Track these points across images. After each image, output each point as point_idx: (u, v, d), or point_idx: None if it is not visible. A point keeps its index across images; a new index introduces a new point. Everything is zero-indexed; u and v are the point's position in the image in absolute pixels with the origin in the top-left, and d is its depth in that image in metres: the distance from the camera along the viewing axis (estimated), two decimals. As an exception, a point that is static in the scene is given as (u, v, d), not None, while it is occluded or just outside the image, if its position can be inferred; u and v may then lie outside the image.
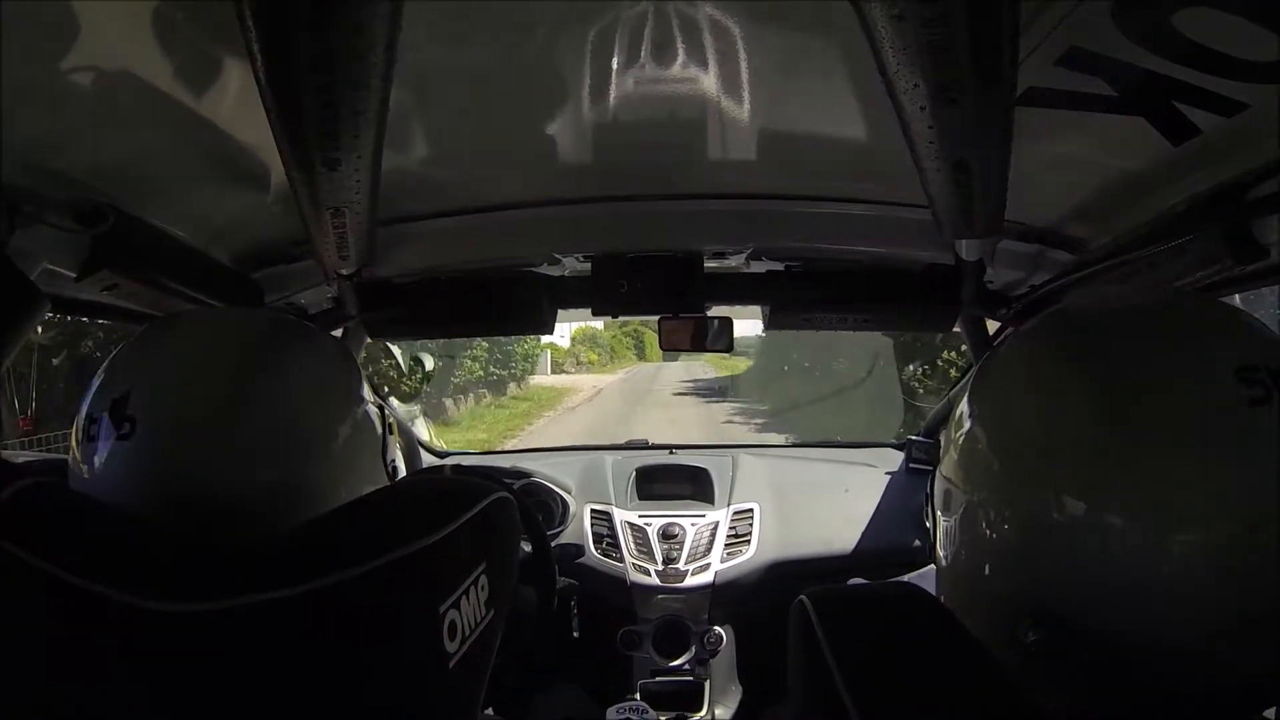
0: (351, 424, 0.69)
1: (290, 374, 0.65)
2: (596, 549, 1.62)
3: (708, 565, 1.58)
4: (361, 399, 0.71)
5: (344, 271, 0.94)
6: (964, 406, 0.53)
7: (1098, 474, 0.43)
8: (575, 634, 1.27)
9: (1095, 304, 0.54)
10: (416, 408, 2.36)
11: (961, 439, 0.53)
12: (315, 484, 0.63)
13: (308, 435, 0.64)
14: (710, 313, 1.20)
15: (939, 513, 0.56)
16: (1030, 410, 0.49)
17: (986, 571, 0.49)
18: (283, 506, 0.60)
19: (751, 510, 1.65)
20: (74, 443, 0.61)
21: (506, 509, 0.65)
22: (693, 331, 1.20)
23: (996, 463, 0.49)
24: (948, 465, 0.54)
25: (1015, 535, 0.46)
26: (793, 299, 1.15)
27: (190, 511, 0.57)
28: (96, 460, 0.59)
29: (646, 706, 1.42)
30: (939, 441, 1.74)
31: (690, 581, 1.57)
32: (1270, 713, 0.48)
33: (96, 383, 0.62)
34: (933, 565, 1.38)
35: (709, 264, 1.12)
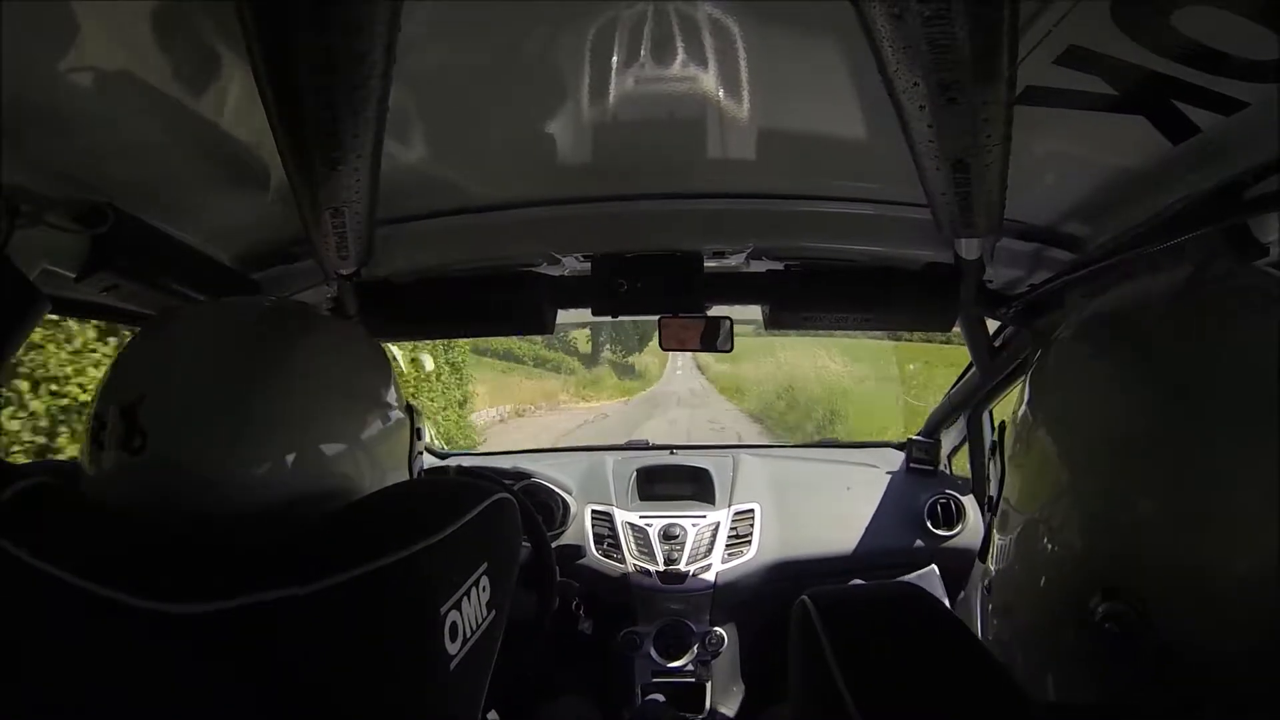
0: (380, 425, 0.66)
1: (315, 380, 0.62)
2: (597, 550, 1.62)
3: (709, 566, 1.58)
4: (389, 401, 0.69)
5: (344, 271, 0.94)
6: (1023, 419, 0.50)
7: (1176, 473, 0.40)
8: (577, 634, 1.27)
9: (1153, 296, 0.50)
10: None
11: (1022, 453, 0.50)
12: (339, 489, 0.61)
13: (333, 440, 0.61)
14: (711, 312, 1.20)
15: (995, 524, 0.54)
16: (1098, 412, 0.45)
17: (1044, 578, 0.46)
18: (303, 513, 0.59)
19: (752, 511, 1.65)
20: (84, 443, 0.59)
21: (507, 510, 0.65)
22: (693, 332, 1.21)
23: (1064, 473, 0.46)
24: (1007, 485, 0.52)
25: (1083, 545, 0.44)
26: (792, 298, 1.15)
27: (204, 525, 0.56)
28: (107, 469, 0.56)
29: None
30: (939, 441, 1.74)
31: (691, 582, 1.57)
32: None
33: (106, 381, 0.59)
34: (934, 565, 1.39)
35: (709, 264, 1.12)
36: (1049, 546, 0.46)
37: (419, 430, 0.75)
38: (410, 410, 0.73)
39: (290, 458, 0.58)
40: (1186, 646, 0.40)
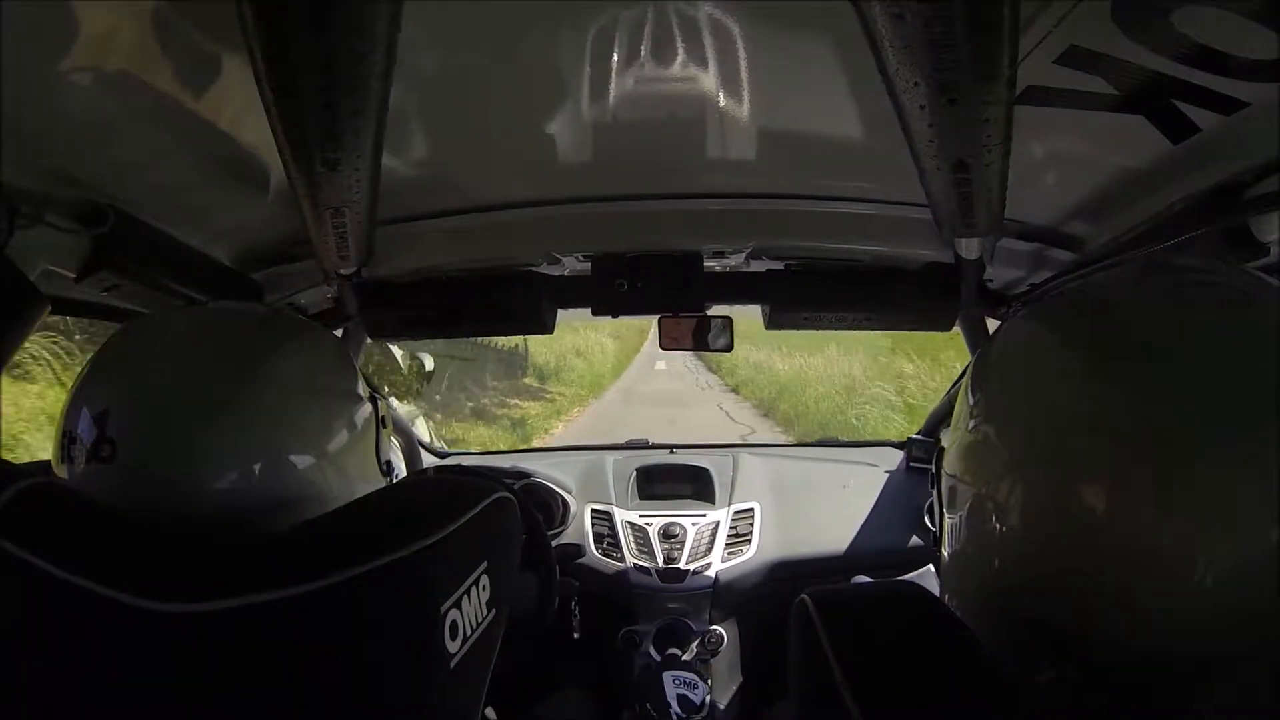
0: (344, 423, 0.68)
1: (276, 378, 0.63)
2: (597, 549, 1.62)
3: (709, 565, 1.58)
4: (354, 395, 0.70)
5: (343, 271, 0.94)
6: (967, 396, 0.51)
7: (1114, 460, 0.40)
8: (575, 634, 1.27)
9: (1106, 282, 0.50)
10: (417, 407, 2.35)
11: (966, 430, 0.50)
12: (306, 487, 0.62)
13: (298, 441, 0.63)
14: (710, 312, 1.20)
15: (944, 510, 0.54)
16: (1038, 394, 0.45)
17: (995, 566, 0.46)
18: (271, 512, 0.60)
19: (752, 510, 1.65)
20: (54, 460, 0.60)
21: (507, 509, 0.65)
22: (693, 331, 1.21)
23: (1005, 452, 0.46)
24: (951, 460, 0.52)
25: (1024, 528, 0.44)
26: (792, 298, 1.15)
27: (183, 526, 0.57)
28: (77, 477, 0.57)
29: (697, 679, 1.43)
30: (939, 440, 1.74)
31: (691, 581, 1.57)
32: None
33: (73, 396, 0.60)
34: (930, 565, 1.39)
35: (709, 263, 1.12)
36: (996, 527, 0.46)
37: (384, 419, 0.76)
38: (374, 400, 0.74)
39: (256, 458, 0.60)
40: (1149, 653, 0.40)
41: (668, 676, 1.43)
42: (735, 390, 9.77)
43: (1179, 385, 0.39)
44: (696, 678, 1.43)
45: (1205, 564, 0.38)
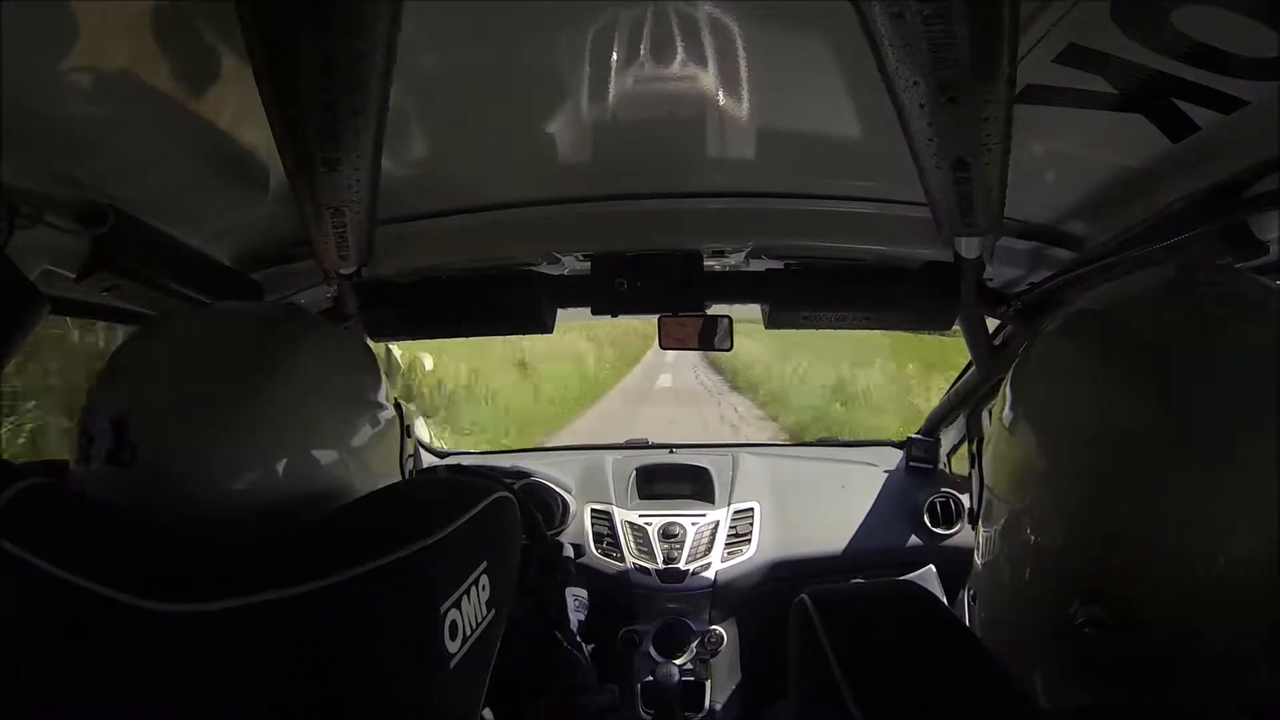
0: (370, 427, 0.66)
1: (302, 381, 0.62)
2: (597, 549, 1.62)
3: (708, 565, 1.58)
4: (379, 401, 0.69)
5: (343, 271, 0.94)
6: (1003, 411, 0.51)
7: (1152, 468, 0.40)
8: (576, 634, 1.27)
9: (1133, 292, 0.50)
10: (415, 407, 2.35)
11: (998, 443, 0.50)
12: (331, 492, 0.61)
13: (322, 437, 0.62)
14: (710, 311, 1.20)
15: (980, 521, 0.54)
16: (1076, 408, 0.45)
17: (1026, 576, 0.47)
18: (294, 517, 0.59)
19: (752, 510, 1.66)
20: (73, 461, 0.59)
21: (507, 509, 0.65)
22: (693, 330, 1.21)
23: (1030, 464, 0.46)
24: (986, 471, 0.52)
25: (1051, 538, 0.44)
26: (792, 297, 1.15)
27: (196, 528, 0.56)
28: (97, 484, 0.56)
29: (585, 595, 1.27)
30: (939, 439, 1.74)
31: (691, 581, 1.57)
32: None
33: (93, 397, 0.59)
34: (931, 566, 1.39)
35: (708, 262, 1.12)
36: (1031, 537, 0.46)
37: (408, 427, 0.75)
38: (399, 408, 0.73)
39: (281, 465, 0.58)
40: (1176, 645, 0.41)
41: (569, 595, 1.21)
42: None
43: (1181, 390, 0.40)
44: (585, 594, 1.24)
45: (1217, 565, 0.38)
